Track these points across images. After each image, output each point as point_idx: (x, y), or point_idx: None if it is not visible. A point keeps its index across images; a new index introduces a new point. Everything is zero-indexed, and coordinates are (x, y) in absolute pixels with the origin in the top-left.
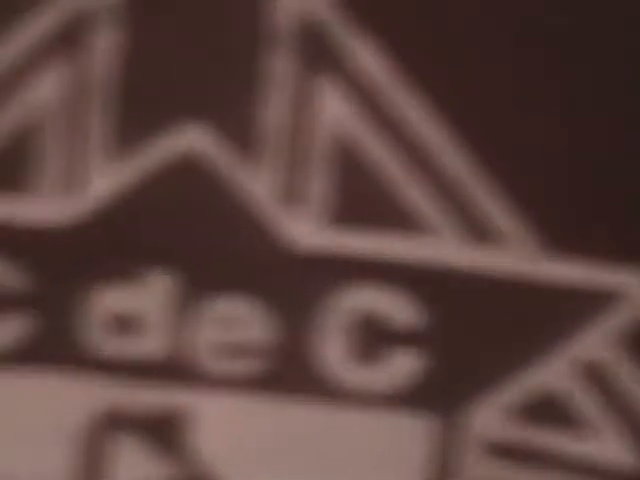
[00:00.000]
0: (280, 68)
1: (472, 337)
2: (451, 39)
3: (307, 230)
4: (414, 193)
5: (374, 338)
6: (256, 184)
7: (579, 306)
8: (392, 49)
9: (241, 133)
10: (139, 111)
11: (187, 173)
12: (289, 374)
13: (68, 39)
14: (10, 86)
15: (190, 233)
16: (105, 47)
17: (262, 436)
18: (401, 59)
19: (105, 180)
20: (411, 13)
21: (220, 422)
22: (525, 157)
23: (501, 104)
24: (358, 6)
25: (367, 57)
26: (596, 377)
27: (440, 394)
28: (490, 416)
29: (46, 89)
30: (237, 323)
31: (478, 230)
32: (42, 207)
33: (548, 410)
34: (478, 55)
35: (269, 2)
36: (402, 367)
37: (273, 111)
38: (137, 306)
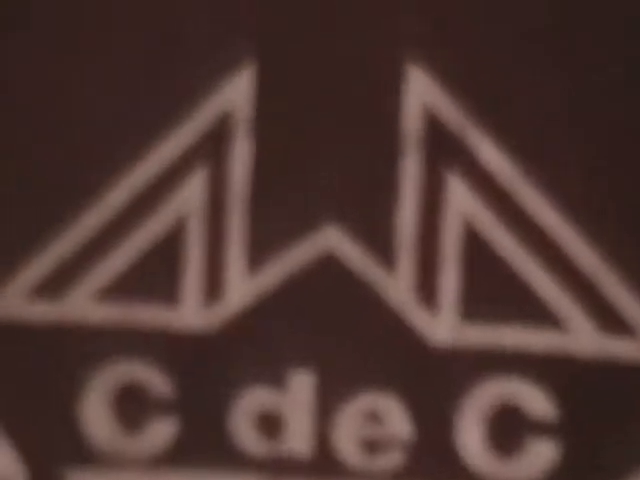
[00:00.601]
0: (410, 169)
1: (607, 426)
2: (572, 137)
3: (442, 326)
4: (545, 286)
5: (511, 429)
6: (392, 282)
7: None
8: (515, 146)
9: (376, 233)
10: (277, 216)
11: (326, 275)
12: (430, 467)
13: (209, 147)
14: (157, 193)
15: (329, 332)
16: (243, 154)
17: None
18: (524, 156)
19: (245, 284)
20: (531, 111)
21: None
22: None
23: (624, 195)
24: (481, 106)
25: (492, 155)
26: None
27: None
28: None
29: (189, 196)
30: (377, 418)
31: (609, 322)
32: (184, 313)
33: None
34: (600, 150)
35: (395, 106)
36: (540, 457)
37: (405, 211)
38: (280, 406)
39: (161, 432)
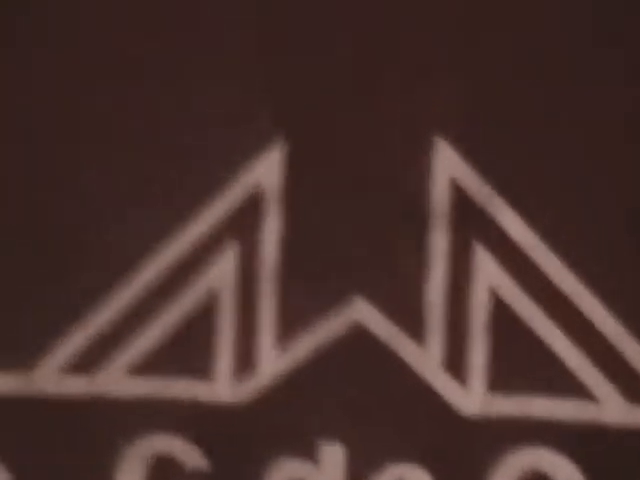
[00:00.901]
0: (438, 242)
1: None
2: (596, 209)
3: (471, 397)
4: (572, 357)
5: None
6: (421, 354)
7: None
8: (540, 218)
9: (405, 306)
10: (307, 289)
11: (355, 348)
12: None
13: (239, 223)
14: (189, 269)
15: (359, 405)
16: (273, 230)
17: None
18: (550, 228)
19: (276, 358)
20: (556, 183)
21: None
22: None
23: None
24: (507, 179)
25: (518, 227)
26: None
27: None
28: None
29: (220, 272)
30: None
31: (636, 391)
32: (216, 387)
33: None
34: (622, 223)
35: (423, 180)
36: None
37: (434, 283)
38: (311, 478)
39: None
